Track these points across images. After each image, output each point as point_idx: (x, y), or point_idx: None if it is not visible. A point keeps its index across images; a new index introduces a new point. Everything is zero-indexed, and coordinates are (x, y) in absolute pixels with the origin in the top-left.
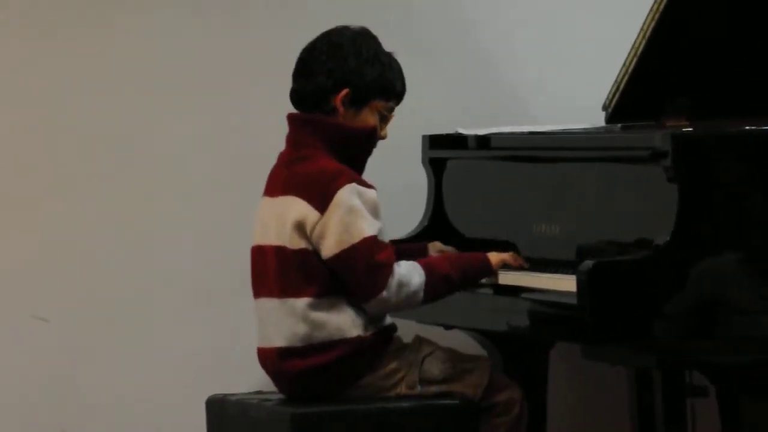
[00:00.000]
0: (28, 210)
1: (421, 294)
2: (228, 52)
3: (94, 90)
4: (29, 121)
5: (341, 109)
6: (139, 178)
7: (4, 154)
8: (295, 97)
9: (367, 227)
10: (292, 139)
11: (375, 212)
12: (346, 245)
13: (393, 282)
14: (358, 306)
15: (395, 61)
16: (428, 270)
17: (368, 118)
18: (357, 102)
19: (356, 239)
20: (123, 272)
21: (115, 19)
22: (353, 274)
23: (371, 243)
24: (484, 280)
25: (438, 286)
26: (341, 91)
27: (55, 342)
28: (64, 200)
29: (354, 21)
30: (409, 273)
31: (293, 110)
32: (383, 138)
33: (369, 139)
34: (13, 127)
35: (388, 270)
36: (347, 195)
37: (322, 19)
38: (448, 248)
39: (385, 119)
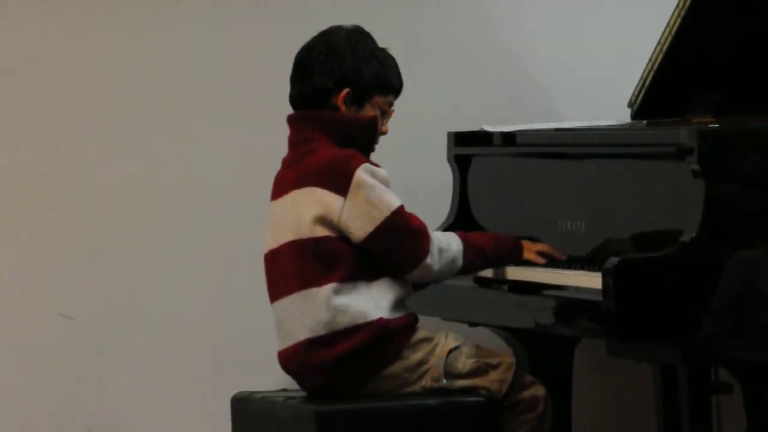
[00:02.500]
0: (54, 209)
1: (461, 261)
2: (244, 50)
3: (115, 89)
4: (51, 120)
5: (343, 108)
6: (165, 177)
7: (31, 153)
8: (296, 99)
9: (393, 200)
10: (293, 139)
11: (389, 188)
12: (379, 221)
13: (434, 247)
14: (379, 289)
15: (390, 56)
16: (464, 239)
17: (369, 114)
18: (358, 100)
19: (387, 212)
20: (148, 271)
21: (124, 16)
22: (393, 246)
23: (402, 212)
24: (492, 275)
25: (474, 257)
26: (342, 90)
27: (81, 340)
28: (90, 199)
29: (376, 20)
30: (446, 239)
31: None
32: (384, 133)
33: (370, 128)
34: (36, 126)
35: (426, 235)
36: (365, 174)
37: (338, 19)
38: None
39: (385, 114)
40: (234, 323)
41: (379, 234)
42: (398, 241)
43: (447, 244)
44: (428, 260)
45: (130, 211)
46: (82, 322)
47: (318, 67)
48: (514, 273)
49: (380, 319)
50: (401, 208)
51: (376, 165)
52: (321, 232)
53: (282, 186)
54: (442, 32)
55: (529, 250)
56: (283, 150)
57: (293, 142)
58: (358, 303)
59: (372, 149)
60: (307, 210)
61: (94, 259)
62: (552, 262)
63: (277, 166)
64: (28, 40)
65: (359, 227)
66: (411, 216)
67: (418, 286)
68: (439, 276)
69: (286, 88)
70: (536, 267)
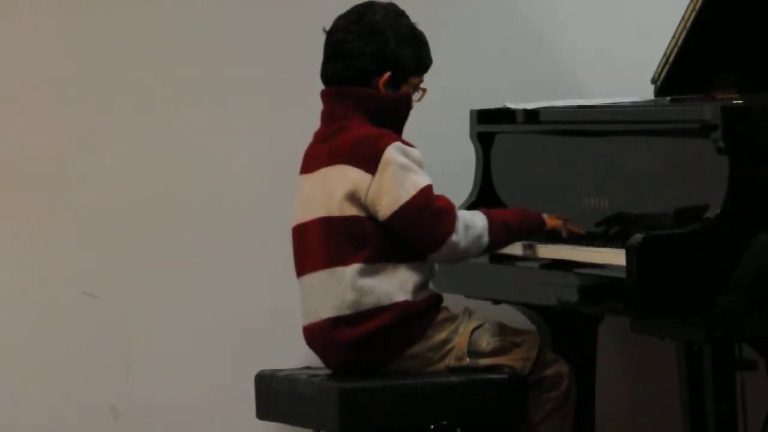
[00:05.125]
0: (77, 188)
1: (486, 238)
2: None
3: (135, 71)
4: (71, 102)
5: (383, 90)
6: (188, 156)
7: (55, 138)
8: (332, 78)
9: (421, 179)
10: (326, 114)
11: (422, 168)
12: (404, 200)
13: (459, 225)
14: (405, 271)
15: (423, 35)
16: (488, 216)
17: (404, 92)
18: (397, 81)
19: (413, 192)
20: (173, 249)
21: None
22: (418, 225)
23: (428, 192)
24: (521, 253)
25: (499, 233)
26: (384, 74)
27: (106, 319)
28: (113, 178)
29: None
30: (472, 216)
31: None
32: (410, 108)
33: (404, 105)
34: (55, 108)
35: (452, 214)
36: (395, 153)
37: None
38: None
39: (416, 90)
40: (258, 301)
41: (405, 212)
42: (423, 221)
43: (473, 222)
44: (454, 238)
45: (154, 189)
46: (107, 300)
47: (359, 50)
48: (537, 250)
49: (405, 301)
50: (429, 187)
51: (410, 145)
52: (350, 210)
53: (313, 161)
54: (464, 9)
55: (550, 224)
56: (302, 134)
57: (326, 117)
58: (383, 284)
59: (403, 126)
60: (338, 187)
61: (119, 237)
62: (574, 239)
63: (298, 149)
64: (37, 24)
65: (385, 205)
66: (438, 196)
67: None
68: (466, 254)
69: (304, 72)
70: (560, 243)
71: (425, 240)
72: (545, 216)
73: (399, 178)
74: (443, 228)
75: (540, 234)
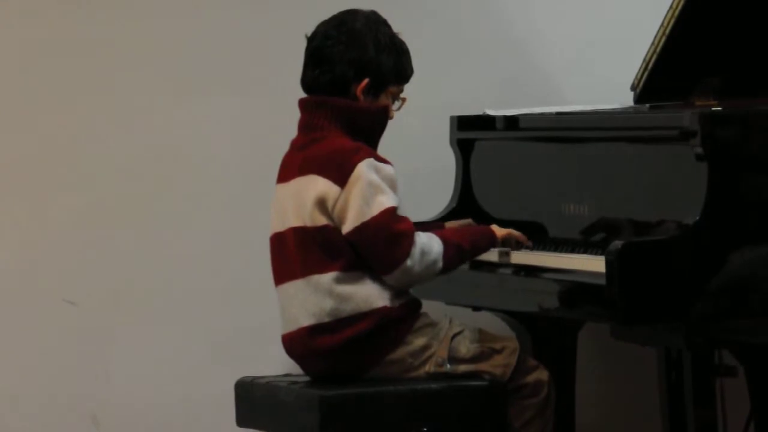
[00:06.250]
0: (57, 195)
1: (441, 263)
2: (250, 37)
3: (117, 75)
4: (52, 107)
5: (361, 97)
6: (168, 161)
7: (34, 142)
8: (311, 84)
9: (387, 200)
10: (303, 124)
11: (393, 187)
12: (366, 218)
13: (416, 250)
14: (382, 279)
15: (404, 44)
16: (444, 240)
17: (383, 102)
18: (375, 89)
19: (376, 211)
20: (152, 256)
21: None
22: (375, 245)
23: (391, 214)
24: (497, 260)
25: (453, 256)
26: (362, 81)
27: (86, 327)
28: (93, 184)
29: (381, 4)
30: (429, 241)
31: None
32: (391, 118)
33: (382, 117)
34: (36, 113)
35: (410, 239)
36: (366, 169)
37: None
38: (467, 221)
39: (395, 100)
40: (237, 308)
41: (362, 231)
42: (381, 242)
43: (429, 247)
44: (408, 263)
45: (133, 196)
46: (87, 308)
47: (338, 56)
48: (517, 257)
49: (384, 307)
50: (392, 209)
51: (384, 161)
52: (321, 220)
53: (288, 170)
54: (444, 16)
55: (501, 237)
56: (287, 134)
57: (303, 126)
58: (362, 291)
59: (380, 137)
60: (308, 197)
61: (98, 244)
62: (554, 246)
63: (280, 150)
64: (32, 23)
65: (348, 219)
66: (401, 219)
67: None
68: (419, 278)
69: (289, 72)
70: (540, 250)
71: (380, 261)
72: (495, 229)
73: (366, 195)
74: (400, 252)
75: (494, 246)
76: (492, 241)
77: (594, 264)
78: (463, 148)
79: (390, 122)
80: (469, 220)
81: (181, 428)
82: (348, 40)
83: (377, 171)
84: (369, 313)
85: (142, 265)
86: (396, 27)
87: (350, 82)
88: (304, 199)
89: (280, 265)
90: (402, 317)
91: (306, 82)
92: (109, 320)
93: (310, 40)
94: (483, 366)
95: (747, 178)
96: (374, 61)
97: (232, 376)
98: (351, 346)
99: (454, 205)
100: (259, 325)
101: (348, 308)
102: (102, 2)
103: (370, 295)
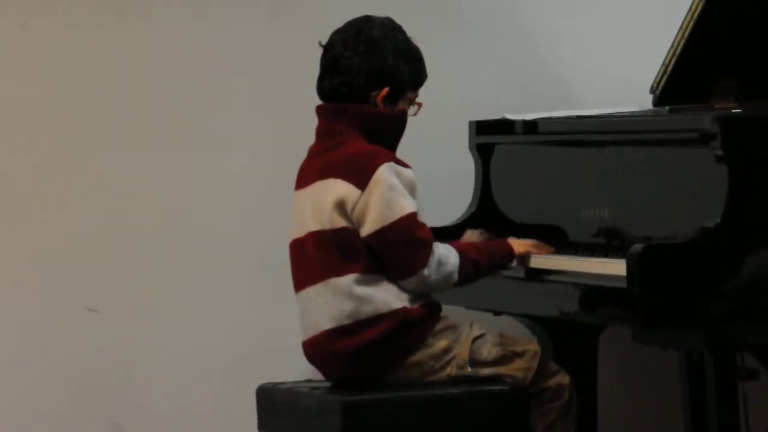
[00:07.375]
0: (78, 203)
1: (456, 276)
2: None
3: (138, 81)
4: (70, 115)
5: (380, 105)
6: (190, 169)
7: (53, 147)
8: (329, 92)
9: (408, 205)
10: (321, 130)
11: (412, 191)
12: (387, 222)
13: (433, 260)
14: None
15: (419, 49)
16: (461, 254)
17: (401, 108)
18: (394, 96)
19: (397, 216)
20: (173, 264)
21: (133, 14)
22: (394, 250)
23: (412, 219)
24: (513, 265)
25: (469, 270)
26: (382, 89)
27: (108, 335)
28: (114, 193)
29: (396, 8)
30: (447, 252)
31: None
32: None
33: (401, 122)
34: (55, 121)
35: (429, 247)
36: (387, 172)
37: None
38: (477, 231)
39: (411, 105)
40: (259, 315)
41: (382, 235)
42: (400, 247)
43: (446, 258)
44: (425, 271)
45: (154, 204)
46: (109, 316)
47: (357, 66)
48: (537, 261)
49: (404, 308)
50: (413, 215)
51: (405, 165)
52: (340, 222)
53: (306, 176)
54: (462, 20)
55: (520, 246)
56: (303, 145)
57: (322, 133)
58: (380, 292)
59: (398, 142)
60: (327, 200)
61: (120, 252)
62: (574, 250)
63: (297, 160)
64: (33, 35)
65: (368, 223)
66: (421, 225)
67: None
68: (434, 288)
69: (305, 83)
70: (561, 254)
71: (398, 266)
72: (514, 245)
73: (387, 198)
74: (418, 259)
75: (512, 262)
76: (510, 258)
77: (614, 267)
78: (483, 153)
79: (410, 126)
80: (479, 231)
81: None
82: (367, 49)
83: (398, 174)
84: (389, 314)
85: (164, 273)
86: (414, 30)
87: (369, 91)
88: (322, 202)
89: (299, 271)
90: (422, 318)
91: (324, 90)
92: (131, 328)
93: (327, 49)
94: (504, 369)
95: (767, 180)
96: (393, 69)
97: (254, 381)
98: (371, 348)
99: (473, 209)
100: (280, 332)
101: (368, 310)
102: (107, 13)
103: (389, 296)
